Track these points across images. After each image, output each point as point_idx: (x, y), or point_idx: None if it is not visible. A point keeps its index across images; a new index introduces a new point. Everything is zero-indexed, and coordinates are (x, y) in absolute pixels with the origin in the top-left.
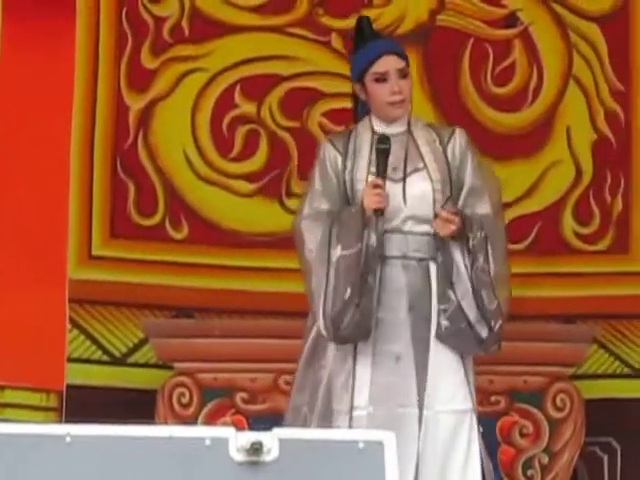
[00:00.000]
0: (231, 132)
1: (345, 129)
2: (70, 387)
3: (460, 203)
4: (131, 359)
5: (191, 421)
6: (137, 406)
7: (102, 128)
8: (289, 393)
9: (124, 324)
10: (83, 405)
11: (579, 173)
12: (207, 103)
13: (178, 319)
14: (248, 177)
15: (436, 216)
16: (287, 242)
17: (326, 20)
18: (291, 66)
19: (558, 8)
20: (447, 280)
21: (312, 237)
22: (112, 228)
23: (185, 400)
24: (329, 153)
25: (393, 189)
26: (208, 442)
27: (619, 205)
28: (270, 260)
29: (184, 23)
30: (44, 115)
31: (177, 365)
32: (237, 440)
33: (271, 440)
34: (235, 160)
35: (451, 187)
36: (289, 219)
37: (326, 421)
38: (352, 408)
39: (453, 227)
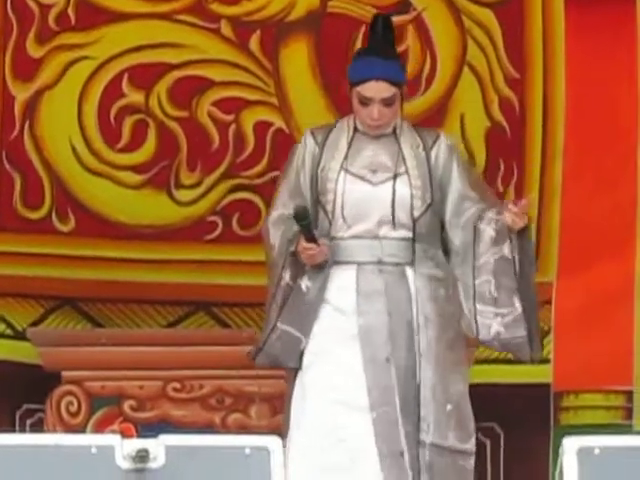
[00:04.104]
0: (119, 122)
1: (328, 123)
2: None
3: (451, 209)
4: None
5: (80, 429)
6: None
7: None
8: (177, 400)
9: (11, 312)
10: None
11: (472, 162)
12: (94, 92)
13: (65, 328)
14: (136, 168)
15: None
16: (175, 234)
17: (216, 7)
18: (180, 54)
19: None
20: (510, 280)
21: (273, 242)
22: None
23: (73, 409)
24: (309, 145)
25: (370, 192)
26: (94, 450)
27: (511, 195)
28: (158, 252)
29: (70, 11)
30: None
31: (65, 374)
32: (123, 448)
33: (157, 447)
34: (123, 151)
35: (432, 194)
36: (178, 211)
37: None
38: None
39: (526, 217)
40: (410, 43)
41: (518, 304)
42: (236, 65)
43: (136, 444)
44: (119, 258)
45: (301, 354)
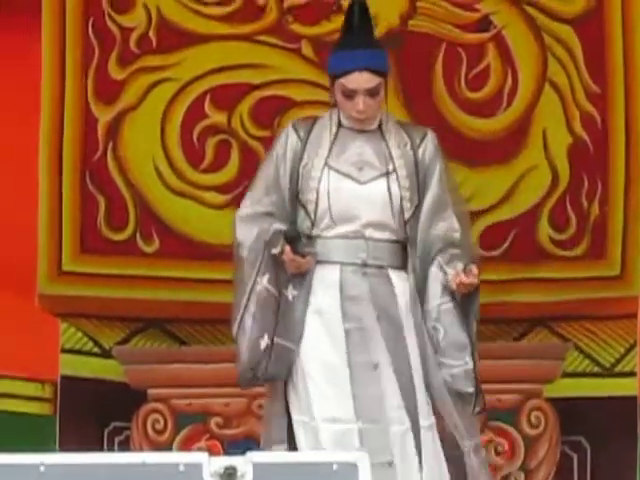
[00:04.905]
0: (202, 143)
1: (311, 116)
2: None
3: (425, 215)
4: None
5: (166, 447)
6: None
7: (70, 141)
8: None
9: (97, 334)
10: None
11: (555, 178)
12: (177, 114)
13: (151, 347)
14: (219, 188)
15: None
16: None
17: (296, 27)
18: (261, 74)
19: (531, 11)
20: (460, 334)
21: (242, 238)
22: (82, 243)
23: (159, 426)
24: (291, 139)
25: (358, 191)
26: (182, 468)
27: (596, 210)
28: None
29: (151, 33)
30: (11, 130)
31: (151, 391)
32: (210, 465)
33: (245, 464)
34: (206, 171)
35: (419, 195)
36: None
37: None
38: (333, 420)
39: (469, 290)
40: (491, 60)
41: (469, 358)
42: (317, 85)
43: (224, 461)
44: (204, 279)
45: (292, 364)
